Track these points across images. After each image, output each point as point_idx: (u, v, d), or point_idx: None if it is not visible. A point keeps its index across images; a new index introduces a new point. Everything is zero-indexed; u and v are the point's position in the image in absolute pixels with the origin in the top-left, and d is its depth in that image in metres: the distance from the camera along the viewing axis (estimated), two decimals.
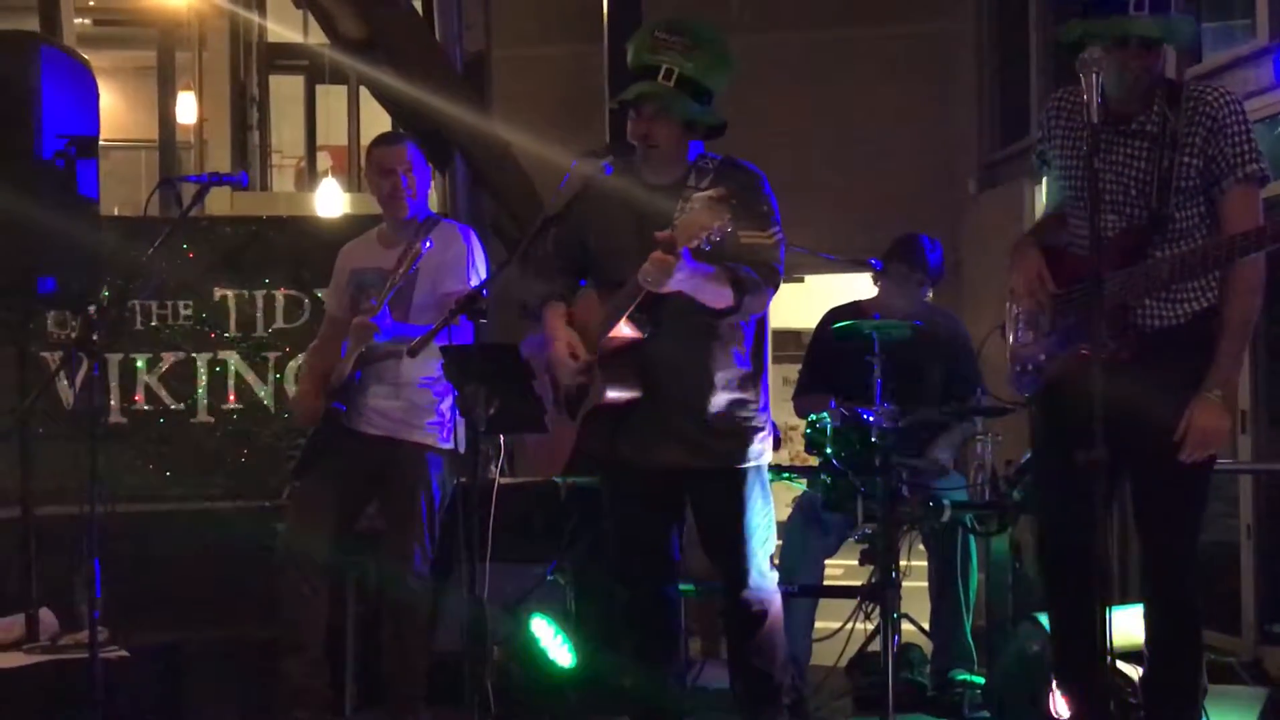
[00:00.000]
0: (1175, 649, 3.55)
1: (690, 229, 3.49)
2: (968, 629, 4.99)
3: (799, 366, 5.40)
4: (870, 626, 4.79)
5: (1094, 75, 3.15)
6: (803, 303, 6.85)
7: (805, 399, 5.17)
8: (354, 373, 4.44)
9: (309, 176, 13.48)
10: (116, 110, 12.51)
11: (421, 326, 4.06)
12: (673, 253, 3.49)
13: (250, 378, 6.09)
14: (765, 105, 7.71)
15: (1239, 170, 3.42)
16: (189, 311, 6.07)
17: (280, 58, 12.67)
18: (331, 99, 13.10)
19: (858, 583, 4.77)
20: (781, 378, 8.51)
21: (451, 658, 4.42)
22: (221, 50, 12.07)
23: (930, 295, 5.23)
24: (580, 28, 7.63)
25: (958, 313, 5.67)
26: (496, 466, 4.37)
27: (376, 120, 9.20)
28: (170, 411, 6.07)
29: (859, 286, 5.51)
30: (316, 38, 10.54)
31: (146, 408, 6.06)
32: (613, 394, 3.79)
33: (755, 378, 3.90)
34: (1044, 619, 3.89)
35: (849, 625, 4.77)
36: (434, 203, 5.81)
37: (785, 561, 4.82)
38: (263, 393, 6.09)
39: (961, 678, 4.89)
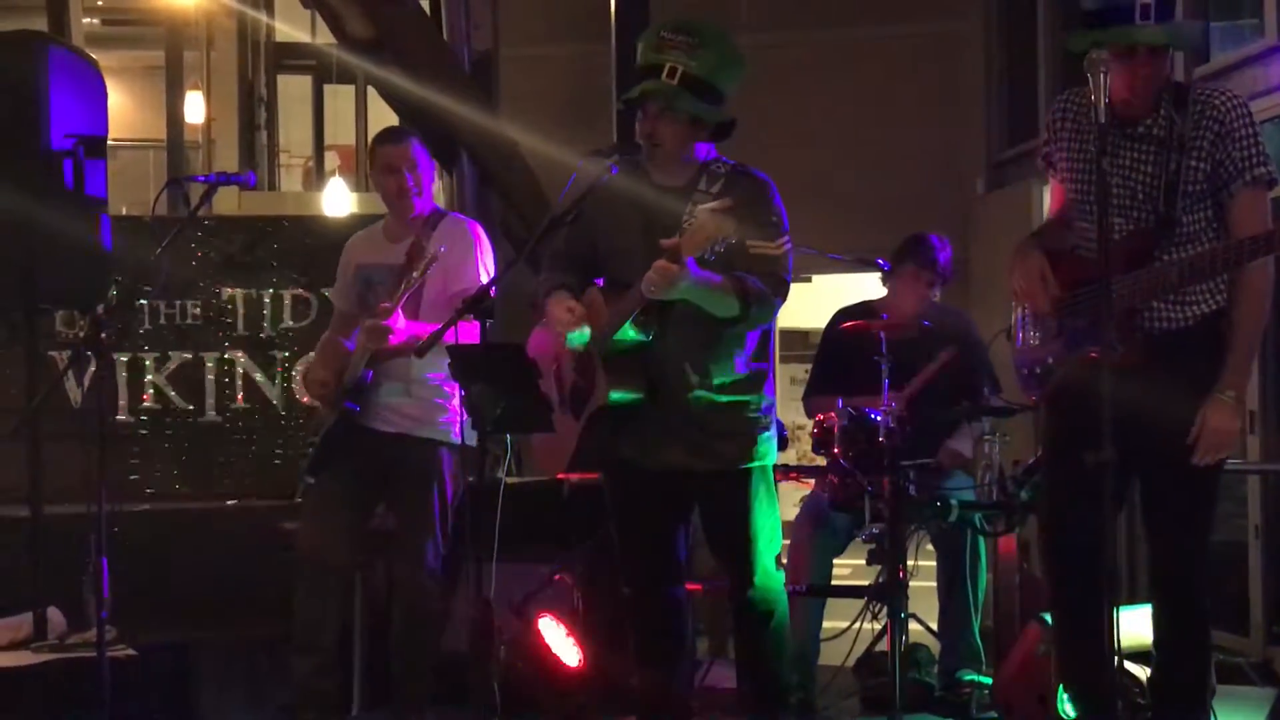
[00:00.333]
0: (1184, 650, 3.55)
1: (696, 239, 3.49)
2: (976, 629, 4.99)
3: (806, 366, 5.40)
4: (878, 626, 4.78)
5: (1101, 75, 3.14)
6: (811, 303, 6.83)
7: (815, 399, 5.18)
8: (366, 372, 4.44)
9: (317, 176, 13.46)
10: (124, 110, 12.51)
11: (432, 324, 4.07)
12: (677, 261, 3.49)
13: (258, 377, 6.10)
14: (773, 105, 7.70)
15: (1247, 174, 3.42)
16: (197, 311, 6.09)
17: (288, 57, 12.65)
18: (339, 99, 13.08)
19: (865, 582, 4.77)
20: (789, 377, 8.51)
21: (458, 657, 4.42)
22: (229, 50, 12.07)
23: (939, 295, 5.23)
24: (588, 27, 7.63)
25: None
26: (504, 466, 4.37)
27: (384, 120, 9.18)
28: (178, 411, 6.09)
29: (867, 286, 5.50)
30: (324, 38, 10.53)
31: (155, 407, 6.07)
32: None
33: (760, 378, 3.89)
34: (1049, 619, 3.88)
35: (857, 625, 4.78)
36: (441, 202, 5.80)
37: (792, 561, 4.82)
38: (271, 392, 6.10)
39: (969, 678, 4.88)
